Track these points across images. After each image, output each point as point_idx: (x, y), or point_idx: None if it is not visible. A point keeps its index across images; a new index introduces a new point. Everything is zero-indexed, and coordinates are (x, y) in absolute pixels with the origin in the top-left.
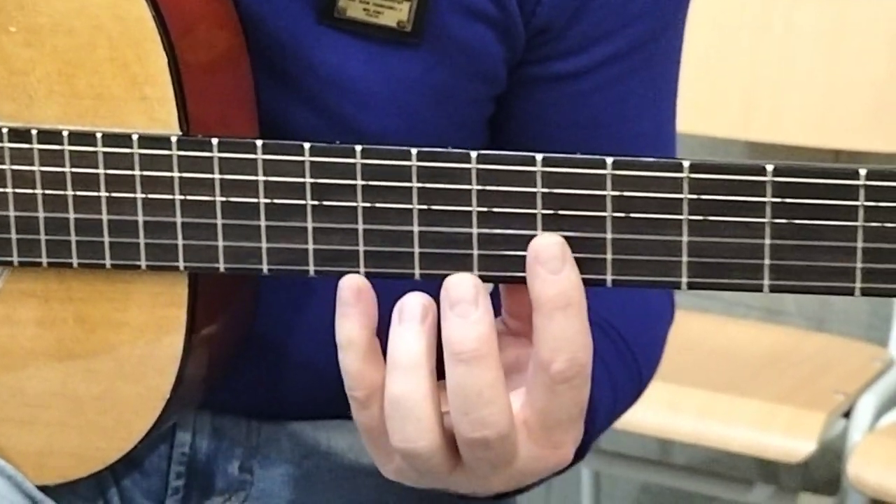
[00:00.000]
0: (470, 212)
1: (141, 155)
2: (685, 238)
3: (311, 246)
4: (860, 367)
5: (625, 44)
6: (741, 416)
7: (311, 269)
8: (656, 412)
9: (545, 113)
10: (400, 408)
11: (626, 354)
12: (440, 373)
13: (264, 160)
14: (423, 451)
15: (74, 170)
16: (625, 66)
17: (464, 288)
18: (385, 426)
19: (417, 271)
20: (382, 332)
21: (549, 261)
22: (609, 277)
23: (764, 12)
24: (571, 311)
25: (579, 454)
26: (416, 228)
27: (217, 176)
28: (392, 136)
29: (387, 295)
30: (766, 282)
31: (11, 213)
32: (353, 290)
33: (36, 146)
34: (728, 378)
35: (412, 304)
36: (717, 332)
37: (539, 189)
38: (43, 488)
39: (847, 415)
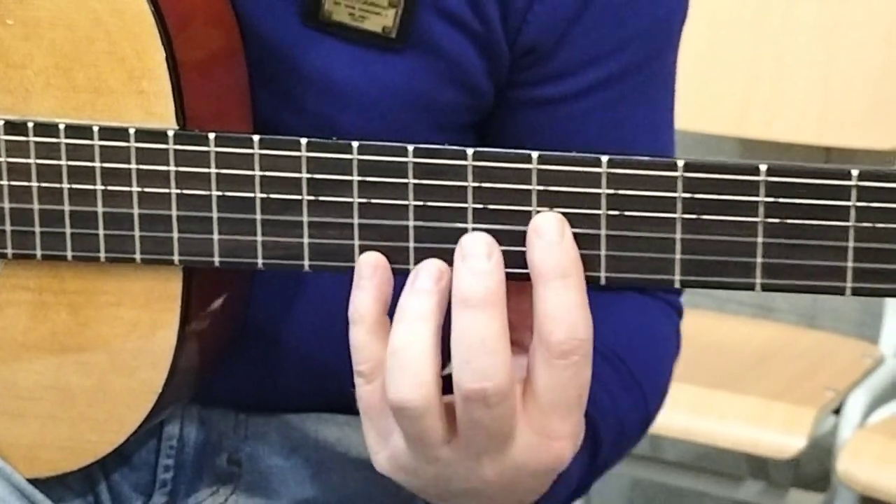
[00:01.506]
0: (465, 208)
1: (137, 149)
2: (678, 236)
3: (306, 241)
4: (851, 364)
5: (617, 68)
6: (732, 412)
7: (306, 263)
8: None
9: (537, 137)
10: (398, 358)
11: (632, 387)
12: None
13: (261, 155)
14: (415, 405)
15: (70, 163)
16: (618, 91)
17: (477, 243)
18: (385, 405)
19: (412, 267)
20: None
21: (548, 233)
22: (603, 275)
23: (760, 10)
24: (570, 282)
25: (583, 487)
26: (411, 224)
27: (213, 170)
28: (374, 140)
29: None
30: (759, 280)
31: (6, 205)
32: (371, 265)
33: (32, 139)
34: (719, 374)
35: (428, 265)
36: (709, 328)
37: (534, 186)
38: (33, 481)
39: (837, 411)
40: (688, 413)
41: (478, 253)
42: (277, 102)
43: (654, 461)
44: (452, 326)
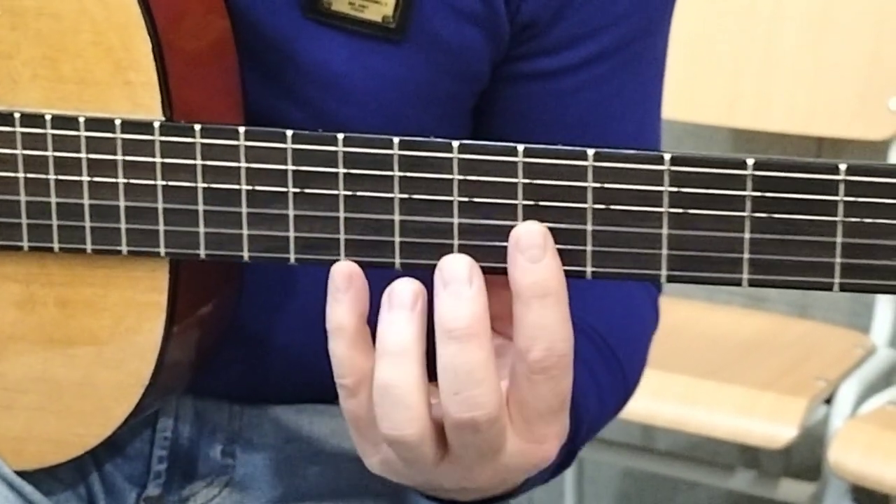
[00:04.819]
0: (451, 201)
1: (123, 140)
2: (665, 231)
3: (291, 233)
4: (842, 354)
5: (610, 43)
6: (724, 402)
7: (292, 256)
8: (639, 398)
9: (529, 111)
10: (388, 395)
11: (611, 362)
12: (430, 363)
13: (246, 147)
14: (410, 439)
15: (57, 154)
16: (610, 66)
17: (458, 267)
18: (372, 414)
19: (398, 261)
20: (372, 319)
21: (529, 248)
22: (589, 269)
23: (750, 0)
24: (549, 300)
25: (565, 462)
26: (396, 217)
27: (199, 162)
28: (371, 130)
29: (377, 282)
30: (745, 276)
31: None
32: (345, 276)
33: (19, 129)
34: (711, 364)
35: (402, 290)
36: (700, 318)
37: (520, 180)
38: (21, 473)
39: (829, 401)
40: (679, 403)
41: (459, 278)
42: (278, 95)
43: (646, 451)
44: (438, 357)
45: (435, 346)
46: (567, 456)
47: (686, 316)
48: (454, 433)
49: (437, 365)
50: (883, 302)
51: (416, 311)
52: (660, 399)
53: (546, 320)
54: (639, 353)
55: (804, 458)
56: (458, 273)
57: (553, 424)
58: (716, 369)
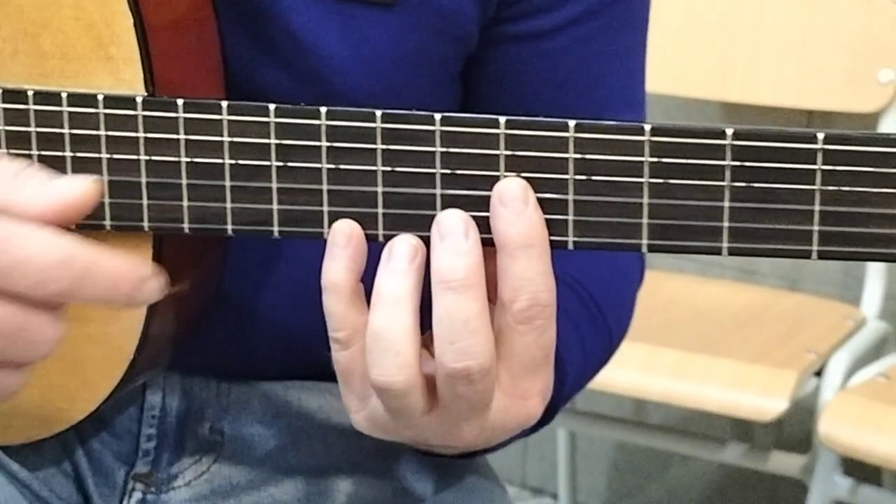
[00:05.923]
0: (433, 174)
1: (106, 115)
2: (646, 200)
3: (275, 207)
4: (832, 326)
5: (595, 2)
6: (715, 375)
7: (276, 230)
8: (631, 372)
9: (517, 72)
10: (381, 341)
11: (595, 316)
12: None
13: (229, 121)
14: (399, 387)
15: (39, 129)
16: (595, 25)
17: (454, 221)
18: (363, 367)
19: (381, 233)
20: (367, 279)
21: (512, 201)
22: (570, 239)
23: None
24: (533, 251)
25: (549, 415)
26: (379, 190)
27: (182, 136)
28: (364, 97)
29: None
30: (725, 245)
31: None
32: (345, 234)
33: (1, 105)
34: (702, 338)
35: (402, 243)
36: (692, 292)
37: (502, 151)
38: (6, 449)
39: (819, 373)
40: (671, 377)
41: (456, 231)
42: (267, 63)
43: (638, 424)
44: (434, 307)
45: (428, 317)
46: (549, 411)
47: (677, 290)
48: (447, 384)
49: (432, 318)
50: (873, 274)
51: (414, 263)
52: (651, 373)
53: (530, 271)
54: (624, 308)
55: (795, 430)
56: (454, 227)
57: (537, 379)
58: (707, 343)
